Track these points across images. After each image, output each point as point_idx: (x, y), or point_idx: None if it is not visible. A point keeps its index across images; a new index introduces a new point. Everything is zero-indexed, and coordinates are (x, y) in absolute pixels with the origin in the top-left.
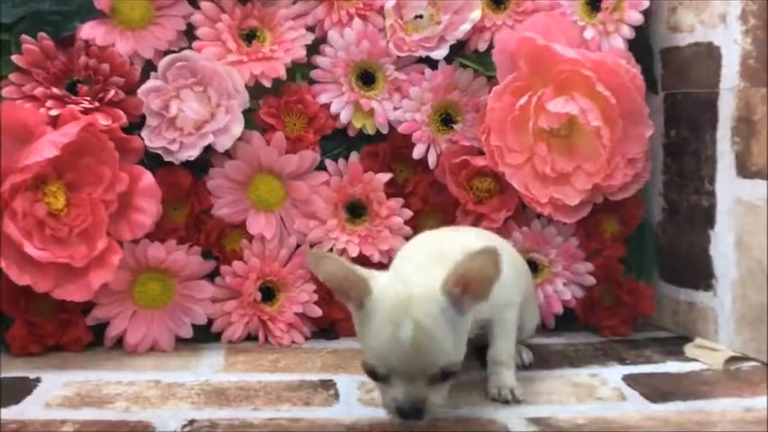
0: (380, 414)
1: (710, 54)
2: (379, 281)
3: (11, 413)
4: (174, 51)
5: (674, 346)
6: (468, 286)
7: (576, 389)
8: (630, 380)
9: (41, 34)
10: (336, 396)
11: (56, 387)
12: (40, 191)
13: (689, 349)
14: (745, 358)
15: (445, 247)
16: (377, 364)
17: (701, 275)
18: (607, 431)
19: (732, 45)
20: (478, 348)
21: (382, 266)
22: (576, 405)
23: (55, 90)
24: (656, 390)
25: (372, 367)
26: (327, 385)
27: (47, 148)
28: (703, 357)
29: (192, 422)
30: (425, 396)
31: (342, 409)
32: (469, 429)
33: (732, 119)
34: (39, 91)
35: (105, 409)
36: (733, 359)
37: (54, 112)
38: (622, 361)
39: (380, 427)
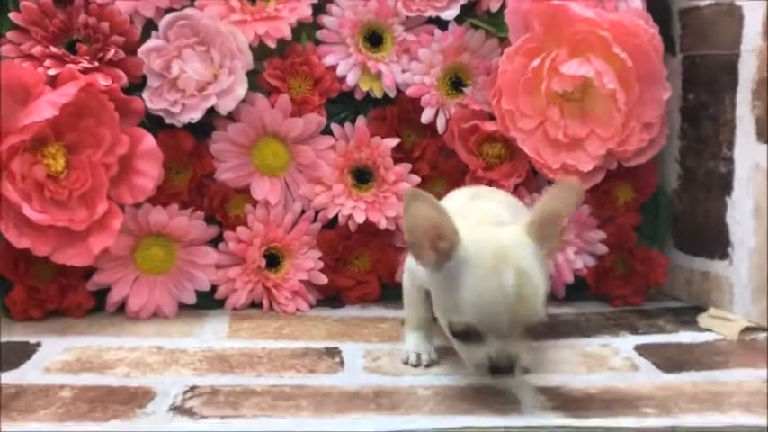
0: (386, 382)
1: (732, 14)
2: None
3: (10, 377)
4: (176, 10)
5: (688, 315)
6: (544, 231)
7: (588, 359)
8: (643, 350)
9: None
10: (341, 363)
11: (56, 352)
12: (39, 152)
13: (703, 319)
14: (761, 329)
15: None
16: (477, 320)
17: (717, 244)
18: (619, 401)
19: (754, 5)
20: None
21: (389, 234)
22: (587, 375)
23: (54, 49)
24: (669, 360)
25: (469, 326)
26: (332, 353)
27: (45, 108)
28: (717, 327)
29: (193, 388)
30: (518, 351)
31: (346, 377)
32: (480, 399)
33: (753, 82)
34: (37, 50)
35: (105, 374)
36: (748, 329)
37: (53, 72)
38: (634, 331)
39: (386, 394)
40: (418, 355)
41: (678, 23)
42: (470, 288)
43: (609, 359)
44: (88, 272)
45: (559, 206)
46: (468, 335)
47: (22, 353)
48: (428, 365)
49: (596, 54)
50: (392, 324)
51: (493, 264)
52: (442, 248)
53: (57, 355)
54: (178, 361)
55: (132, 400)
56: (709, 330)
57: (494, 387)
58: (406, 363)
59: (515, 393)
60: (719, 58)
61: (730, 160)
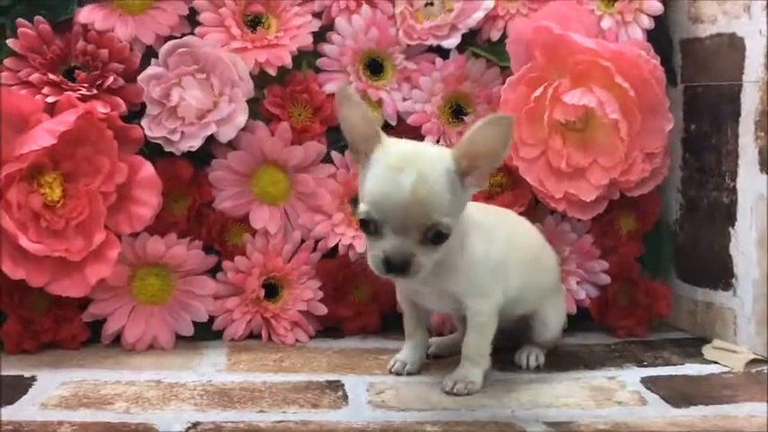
0: (392, 417)
1: (733, 45)
2: (391, 138)
3: (6, 414)
4: (176, 37)
5: (692, 347)
6: (474, 163)
7: (595, 392)
8: (650, 383)
9: (38, 18)
10: (345, 398)
11: (52, 387)
12: (35, 181)
13: (707, 351)
14: (767, 361)
15: None
16: (372, 209)
17: (721, 275)
18: None
19: (756, 36)
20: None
21: None
22: (595, 409)
23: (52, 76)
24: (678, 393)
25: (367, 214)
26: (335, 386)
27: (43, 136)
28: (723, 359)
29: (196, 425)
30: (414, 252)
31: (351, 412)
32: None
33: (755, 112)
34: (35, 77)
35: (104, 410)
36: (754, 362)
37: (51, 99)
38: (640, 363)
39: (393, 430)
40: (404, 364)
41: (679, 54)
42: (373, 179)
43: (616, 393)
44: (83, 302)
45: (487, 136)
46: (367, 225)
47: (17, 388)
48: (409, 374)
49: (598, 84)
50: (394, 356)
51: (396, 162)
52: (365, 146)
53: (53, 390)
54: (177, 395)
55: None
56: (714, 362)
57: (504, 421)
58: (390, 369)
59: (525, 428)
60: (721, 89)
61: (733, 191)
